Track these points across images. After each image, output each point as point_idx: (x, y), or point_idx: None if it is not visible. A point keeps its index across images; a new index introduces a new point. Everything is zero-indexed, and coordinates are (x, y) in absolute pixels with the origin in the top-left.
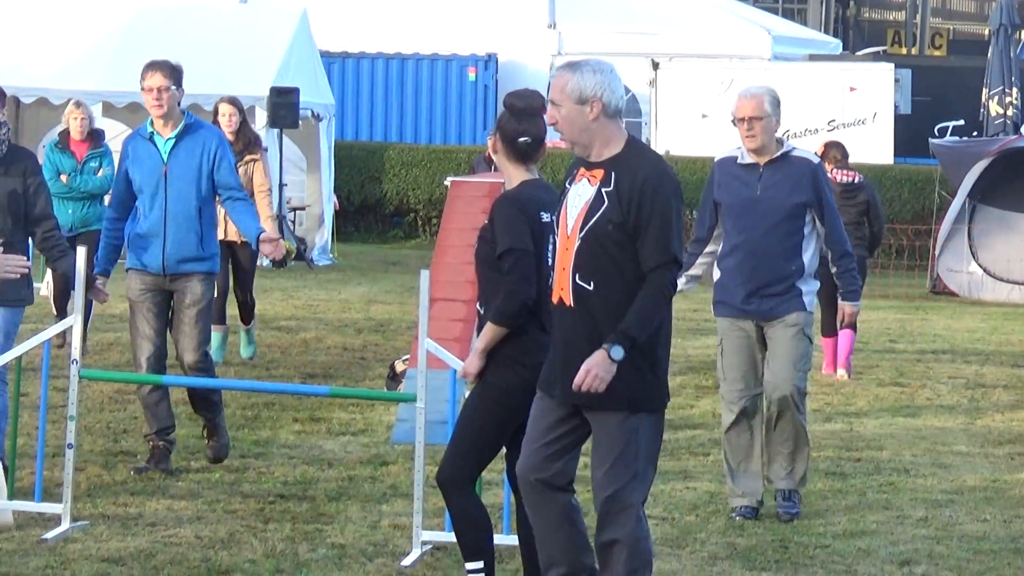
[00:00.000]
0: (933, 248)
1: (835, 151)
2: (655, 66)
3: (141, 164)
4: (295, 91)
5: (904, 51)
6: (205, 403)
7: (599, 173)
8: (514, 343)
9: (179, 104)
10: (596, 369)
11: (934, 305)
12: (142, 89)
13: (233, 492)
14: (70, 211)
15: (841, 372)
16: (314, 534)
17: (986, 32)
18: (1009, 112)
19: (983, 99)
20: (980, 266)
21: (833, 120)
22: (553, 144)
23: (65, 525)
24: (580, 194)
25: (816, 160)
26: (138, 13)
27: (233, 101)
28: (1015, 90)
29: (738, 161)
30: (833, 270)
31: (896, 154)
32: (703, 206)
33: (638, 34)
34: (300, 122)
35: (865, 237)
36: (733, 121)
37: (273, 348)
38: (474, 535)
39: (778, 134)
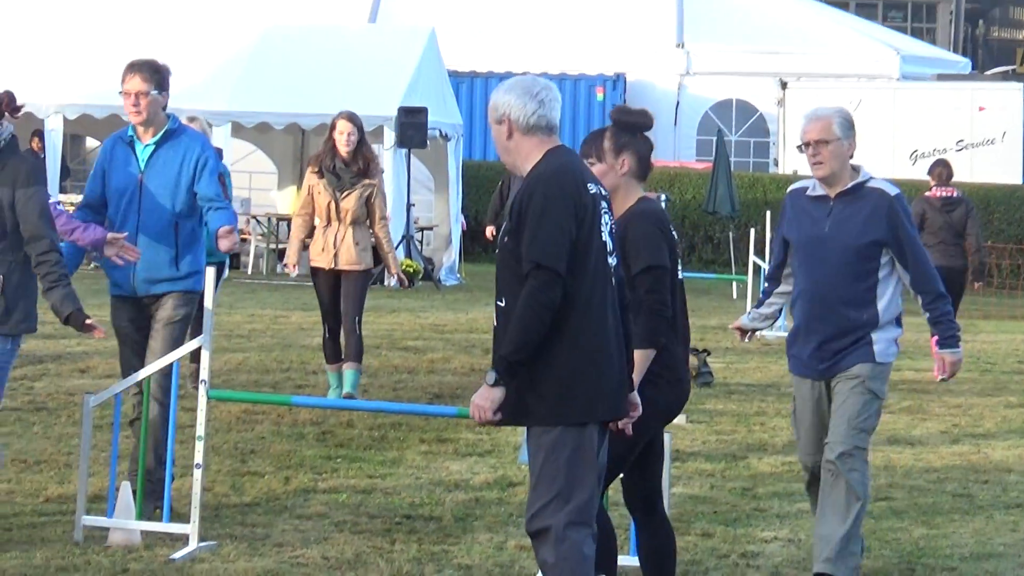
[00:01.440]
0: None
1: (941, 168)
2: (783, 86)
3: (117, 170)
4: (423, 111)
5: None
6: (156, 439)
7: None
8: (657, 360)
9: (163, 108)
10: (476, 399)
11: None
12: (120, 92)
13: (360, 513)
14: None
15: (942, 377)
16: (440, 555)
17: None
18: None
19: None
20: None
21: (961, 140)
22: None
23: (193, 545)
24: None
25: (894, 192)
26: (267, 33)
27: (352, 118)
28: None
29: (808, 193)
30: (926, 316)
31: None
32: (775, 241)
33: (766, 53)
34: (428, 142)
35: (965, 249)
36: (799, 147)
37: (400, 369)
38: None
39: (907, 153)
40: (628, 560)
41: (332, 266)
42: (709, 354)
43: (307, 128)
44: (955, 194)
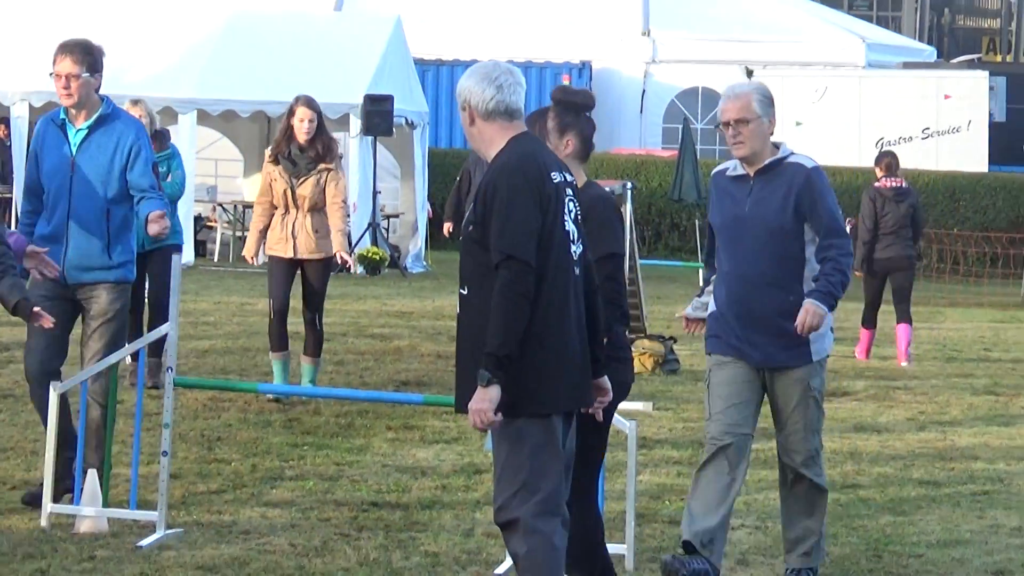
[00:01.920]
0: None
1: (890, 159)
2: (749, 74)
3: (49, 153)
4: (389, 99)
5: (999, 58)
6: (98, 438)
7: None
8: (611, 343)
9: (96, 91)
10: (474, 404)
11: None
12: (51, 74)
13: (326, 500)
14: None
15: (904, 364)
16: (408, 542)
17: None
18: None
19: None
20: None
21: (927, 128)
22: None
23: (160, 532)
24: None
25: (811, 164)
26: (232, 20)
27: (310, 103)
28: None
29: (728, 173)
30: (818, 258)
31: (991, 162)
32: (708, 227)
33: (732, 41)
34: (394, 130)
35: (913, 239)
36: (716, 126)
37: (366, 356)
38: None
39: (873, 141)
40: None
41: (291, 255)
42: (676, 341)
43: (273, 116)
44: (903, 184)
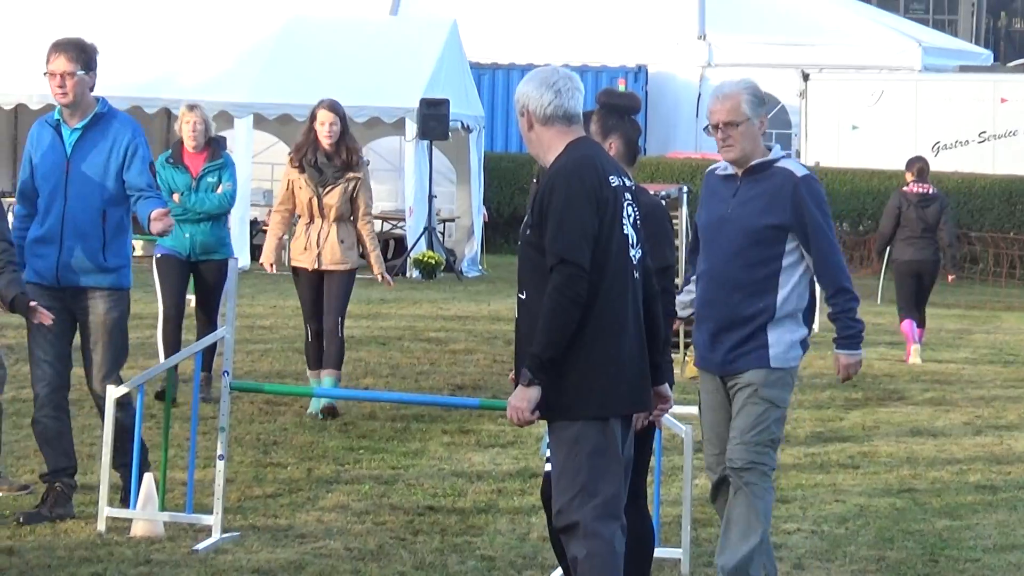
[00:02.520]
0: None
1: (922, 164)
2: (805, 77)
3: (43, 156)
4: (445, 102)
5: None
6: (122, 440)
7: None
8: None
9: (91, 89)
10: (513, 400)
11: None
12: (45, 73)
13: (382, 504)
14: (187, 235)
15: (916, 347)
16: (463, 546)
17: None
18: None
19: None
20: None
21: (984, 132)
22: None
23: (216, 536)
24: None
25: (801, 173)
26: (288, 24)
27: (334, 107)
28: None
29: (718, 172)
30: (828, 312)
31: None
32: (693, 225)
33: (788, 45)
34: (450, 134)
35: (941, 243)
36: (707, 128)
37: (422, 360)
38: None
39: (929, 145)
40: (666, 552)
41: (315, 266)
42: None
43: None
44: (931, 191)
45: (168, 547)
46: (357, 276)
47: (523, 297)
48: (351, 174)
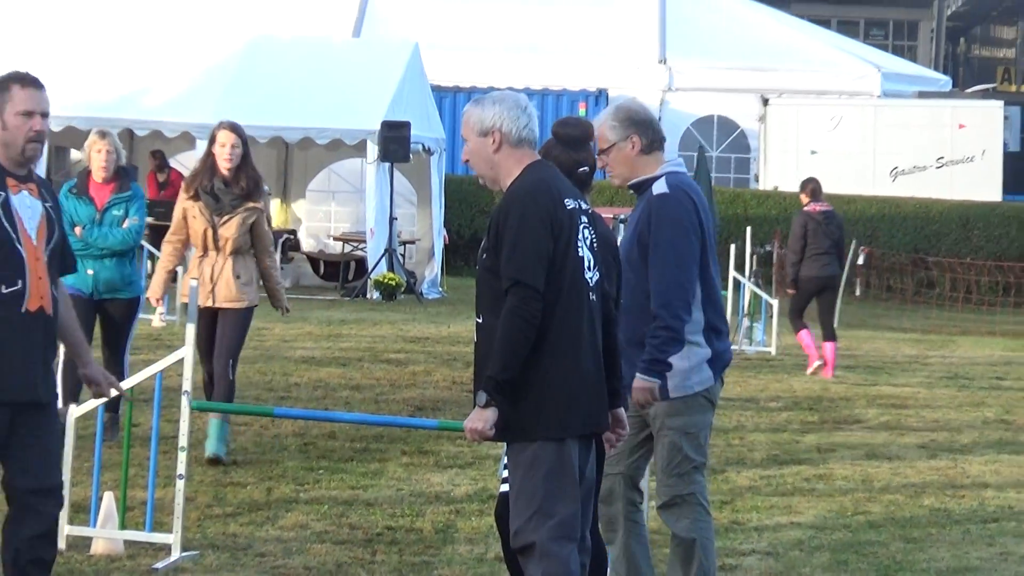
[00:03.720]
0: None
1: (814, 185)
2: (764, 102)
3: None
4: (406, 125)
5: (1014, 88)
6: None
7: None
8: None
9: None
10: (469, 422)
11: None
12: None
13: (341, 524)
14: (89, 271)
15: (832, 376)
16: (421, 566)
17: None
18: None
19: None
20: None
21: (942, 157)
22: None
23: (176, 555)
24: None
25: (659, 191)
26: (251, 45)
27: (235, 128)
28: None
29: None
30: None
31: (1005, 191)
32: None
33: (748, 70)
34: (411, 156)
35: (841, 256)
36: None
37: (382, 381)
38: None
39: (887, 170)
40: None
41: (209, 303)
42: None
43: (290, 142)
44: (830, 208)
45: (128, 565)
46: (319, 298)
47: (480, 321)
48: (251, 204)
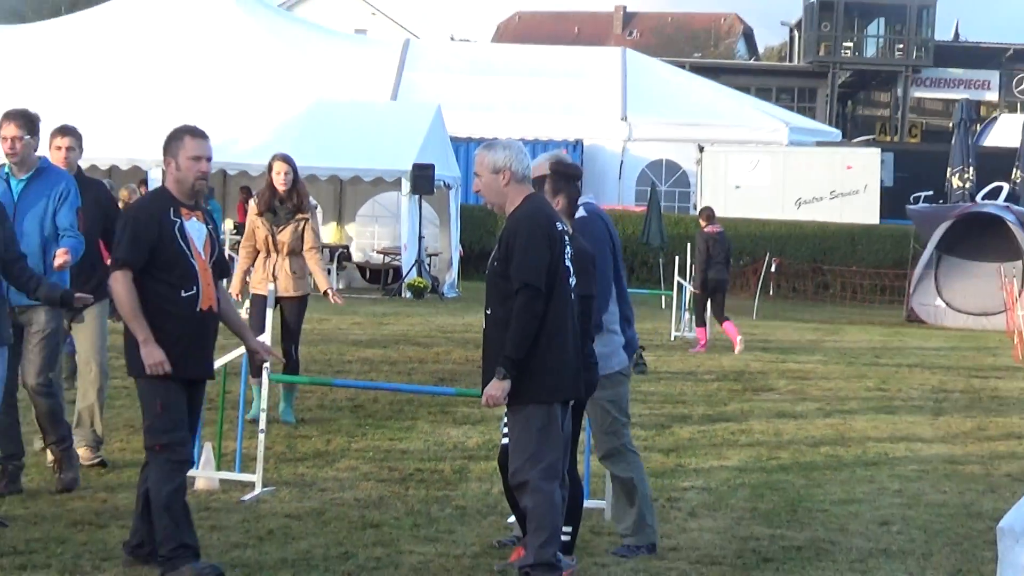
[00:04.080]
0: (908, 287)
1: (708, 211)
2: (700, 149)
3: None
4: (431, 166)
5: (889, 139)
6: (53, 423)
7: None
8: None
9: (35, 150)
10: (488, 389)
11: (908, 330)
12: None
13: (382, 466)
14: None
15: (739, 350)
16: (443, 498)
17: (950, 125)
18: (966, 185)
19: (947, 175)
20: (943, 300)
21: (834, 190)
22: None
23: (258, 490)
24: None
25: (579, 215)
26: (314, 105)
27: (286, 159)
28: (971, 168)
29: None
30: None
31: (881, 216)
32: None
33: (689, 125)
34: (435, 190)
35: (729, 265)
36: None
37: (413, 359)
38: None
39: (792, 201)
40: (593, 503)
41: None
42: (644, 349)
43: (344, 179)
44: (720, 228)
45: (222, 498)
46: (365, 297)
47: (489, 313)
48: (300, 215)
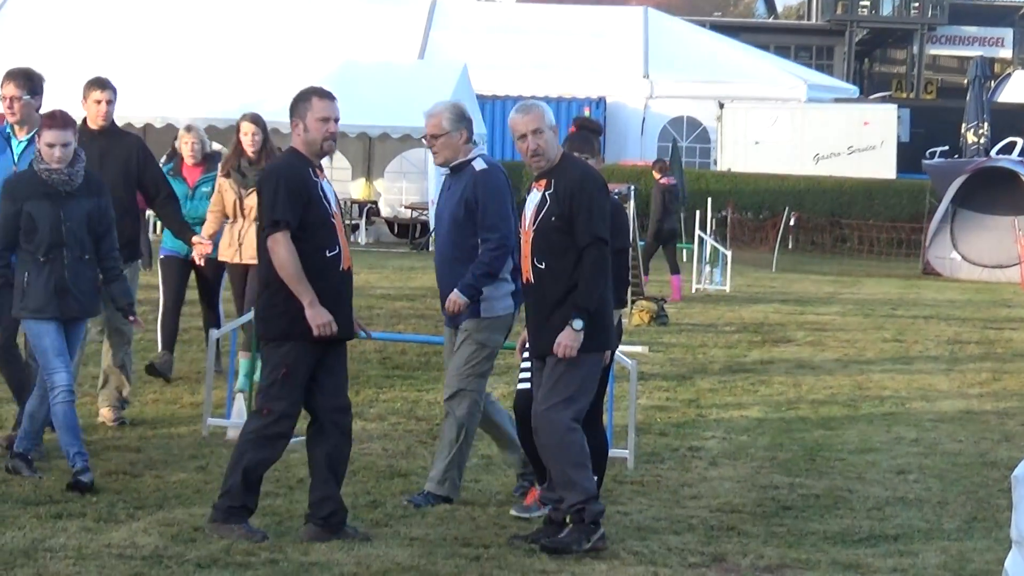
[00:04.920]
0: (924, 240)
1: (662, 163)
2: (721, 106)
3: None
4: None
5: (905, 95)
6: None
7: (544, 182)
8: None
9: (37, 110)
10: (565, 340)
11: (924, 283)
12: None
13: (410, 416)
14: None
15: (679, 299)
16: None
17: (965, 81)
18: (981, 140)
19: (962, 131)
20: (959, 253)
21: (852, 146)
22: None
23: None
24: (533, 200)
25: (481, 166)
26: (344, 66)
27: (255, 119)
28: (986, 124)
29: (441, 172)
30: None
31: (898, 171)
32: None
33: (709, 82)
34: None
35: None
36: (423, 138)
37: (439, 311)
38: None
39: (811, 156)
40: (616, 452)
41: (236, 259)
42: (666, 301)
43: (372, 136)
44: (674, 181)
45: None
46: (394, 251)
47: (542, 267)
48: None
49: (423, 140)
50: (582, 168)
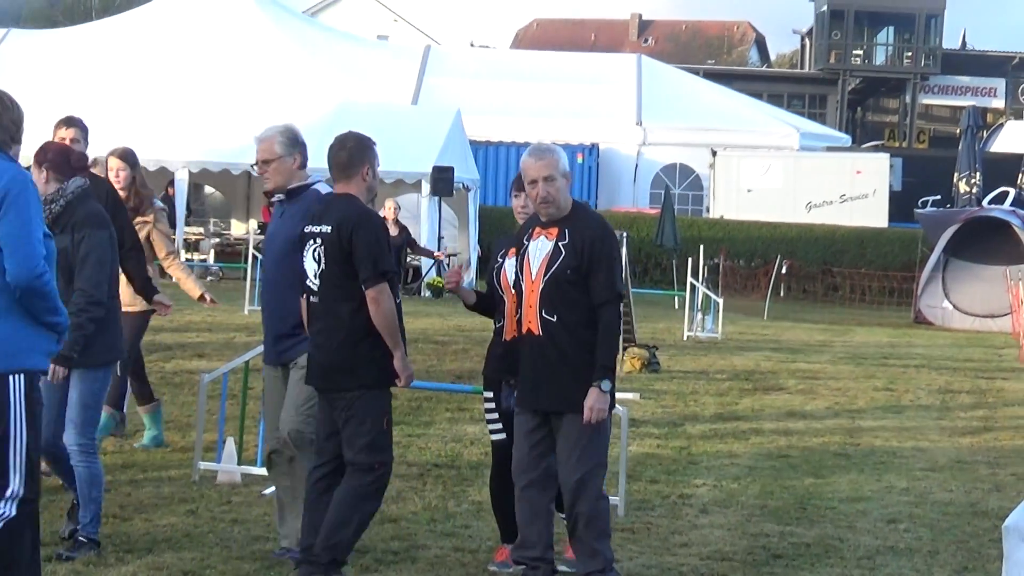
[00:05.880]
0: (916, 289)
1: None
2: (714, 153)
3: None
4: (451, 169)
5: (897, 144)
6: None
7: (554, 231)
8: None
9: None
10: (595, 403)
11: (916, 331)
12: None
13: (400, 461)
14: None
15: None
16: (459, 493)
17: (957, 131)
18: (973, 190)
19: (954, 180)
20: (951, 303)
21: (844, 194)
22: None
23: None
24: (540, 248)
25: (327, 189)
26: (339, 108)
27: (124, 155)
28: (978, 174)
29: (273, 200)
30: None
31: (890, 220)
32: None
33: (702, 130)
34: (454, 191)
35: None
36: (253, 166)
37: (432, 356)
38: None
39: (804, 204)
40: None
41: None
42: (657, 349)
43: None
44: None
45: (243, 491)
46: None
47: (553, 319)
48: (140, 219)
49: (252, 168)
50: (598, 220)
